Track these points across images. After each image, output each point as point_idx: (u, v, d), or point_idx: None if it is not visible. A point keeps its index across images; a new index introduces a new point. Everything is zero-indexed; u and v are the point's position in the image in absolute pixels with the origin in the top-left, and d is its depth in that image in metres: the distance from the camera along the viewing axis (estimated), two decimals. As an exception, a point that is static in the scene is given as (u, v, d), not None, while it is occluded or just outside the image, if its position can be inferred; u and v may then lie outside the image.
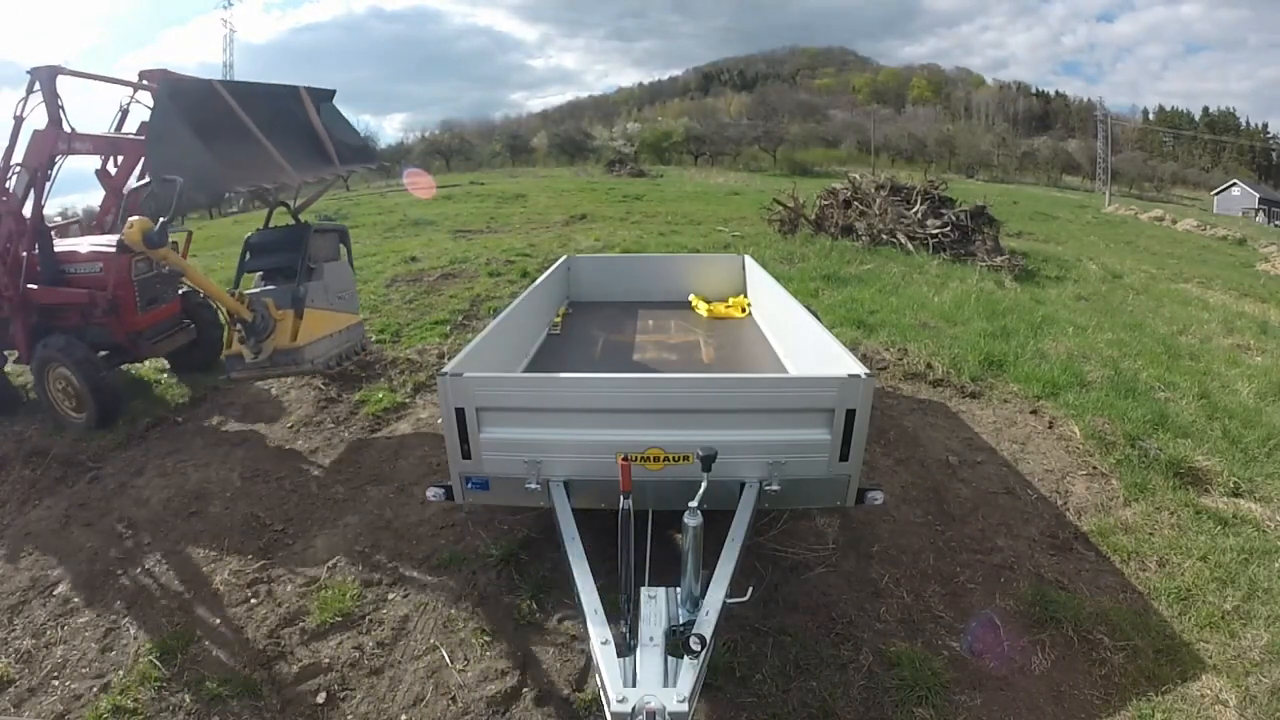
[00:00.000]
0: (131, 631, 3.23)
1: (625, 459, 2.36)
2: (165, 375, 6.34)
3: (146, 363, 6.41)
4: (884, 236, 12.33)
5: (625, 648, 2.14)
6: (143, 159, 5.66)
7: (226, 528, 3.98)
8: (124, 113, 5.81)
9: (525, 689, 2.85)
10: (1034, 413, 5.37)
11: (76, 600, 3.45)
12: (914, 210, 12.70)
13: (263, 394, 5.92)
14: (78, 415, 5.22)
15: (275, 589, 3.48)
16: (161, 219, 4.13)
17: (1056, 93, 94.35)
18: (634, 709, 1.92)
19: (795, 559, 3.58)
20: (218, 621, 3.26)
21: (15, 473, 4.68)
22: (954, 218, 12.32)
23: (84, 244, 5.63)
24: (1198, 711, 2.72)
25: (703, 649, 2.08)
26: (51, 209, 5.61)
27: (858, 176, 14.38)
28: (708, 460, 2.37)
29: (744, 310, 5.81)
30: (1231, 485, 4.28)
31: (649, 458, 2.91)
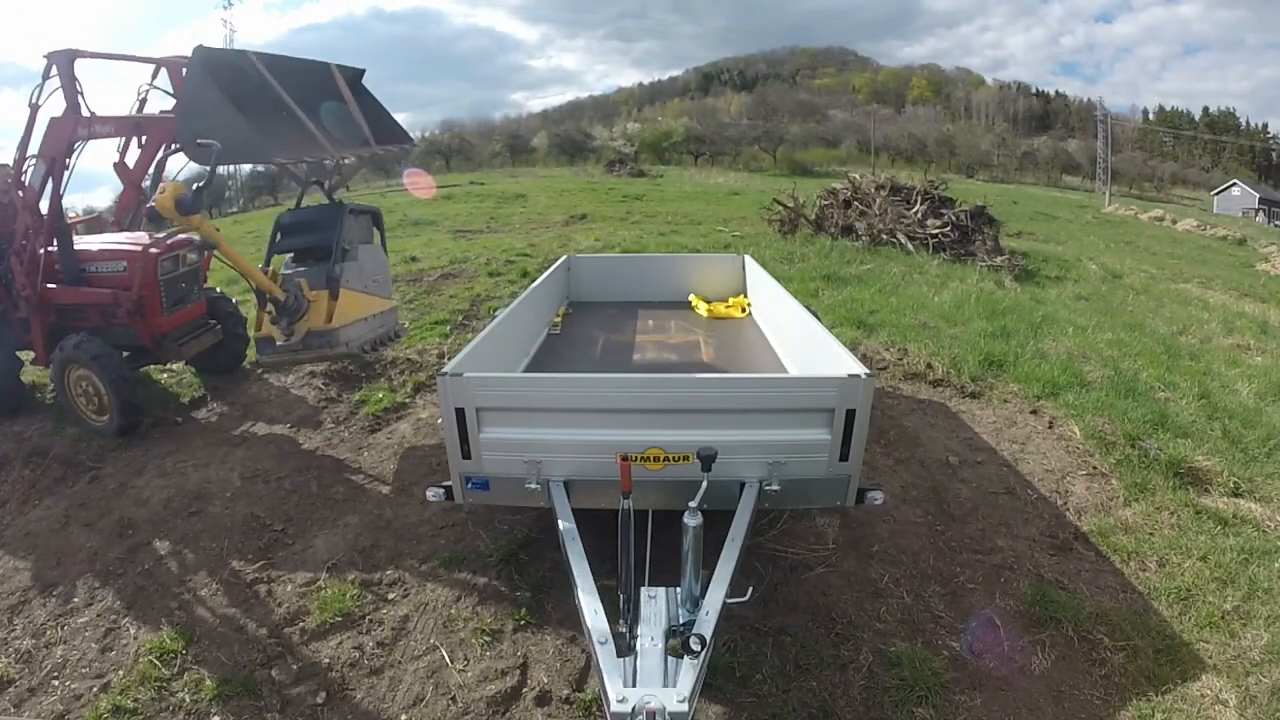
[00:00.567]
0: (131, 631, 3.23)
1: (625, 459, 2.36)
2: (166, 375, 6.33)
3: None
4: (884, 236, 12.32)
5: (625, 648, 2.13)
6: (163, 147, 5.53)
7: (226, 528, 3.98)
8: (142, 101, 5.64)
9: (525, 689, 2.85)
10: (1034, 413, 5.37)
11: (76, 600, 3.45)
12: (914, 210, 12.70)
13: (263, 394, 5.92)
14: (99, 419, 5.12)
15: (275, 589, 3.48)
16: (196, 185, 3.97)
17: (1056, 93, 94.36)
18: (634, 709, 1.92)
19: (795, 559, 3.58)
20: (218, 621, 3.26)
21: (15, 473, 4.68)
22: (954, 218, 12.32)
23: (107, 241, 5.53)
24: (1198, 711, 2.72)
25: (703, 649, 2.08)
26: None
27: (858, 176, 14.38)
28: (708, 460, 2.37)
29: (744, 310, 5.81)
30: (1231, 485, 4.28)
31: (649, 458, 2.91)
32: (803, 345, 4.07)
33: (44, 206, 5.15)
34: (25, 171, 5.11)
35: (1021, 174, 60.66)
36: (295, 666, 2.99)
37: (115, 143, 5.63)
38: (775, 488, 2.92)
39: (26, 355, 5.65)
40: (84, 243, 5.49)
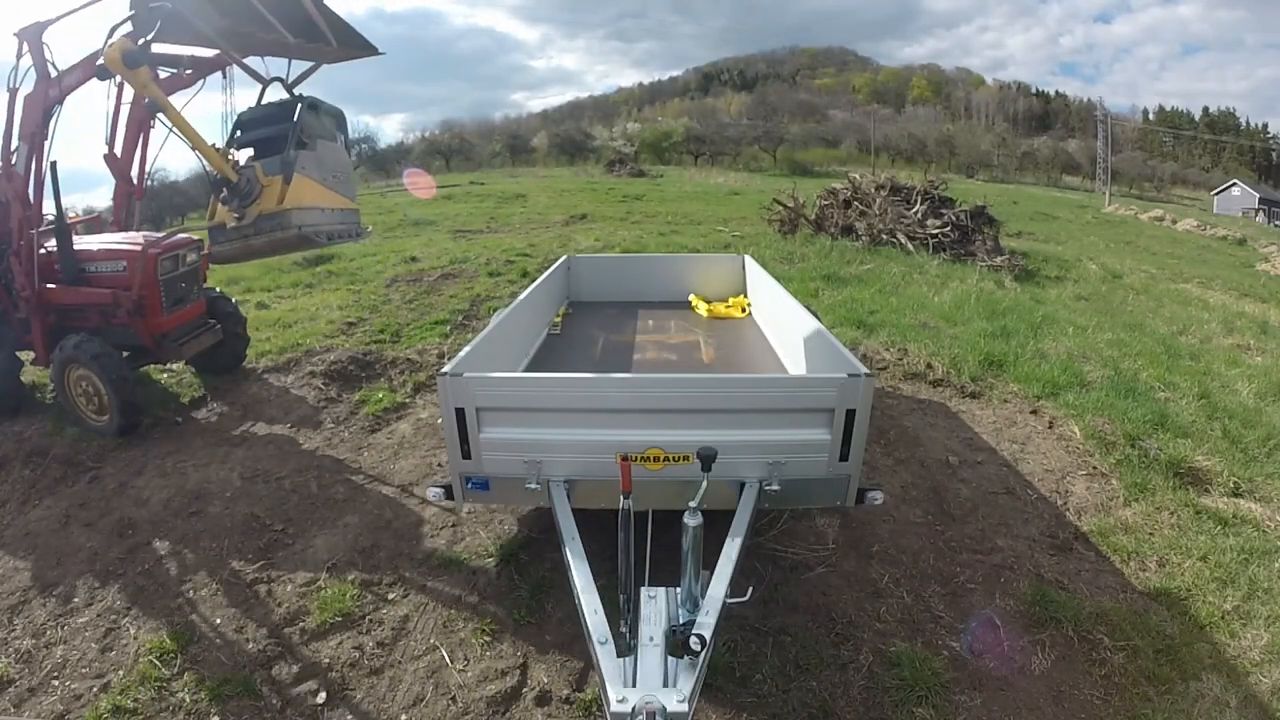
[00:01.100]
0: (131, 631, 3.23)
1: (625, 459, 2.36)
2: (166, 375, 6.33)
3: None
4: (884, 236, 12.33)
5: (625, 648, 2.13)
6: (142, 128, 5.46)
7: (226, 528, 3.98)
8: (121, 86, 5.45)
9: (525, 689, 2.85)
10: (1034, 413, 5.37)
11: (76, 600, 3.45)
12: (914, 210, 12.70)
13: (263, 394, 5.92)
14: (99, 419, 5.10)
15: (275, 589, 3.48)
16: (142, 40, 3.94)
17: (1056, 93, 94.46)
18: (634, 709, 1.91)
19: (795, 559, 3.58)
20: (218, 621, 3.26)
21: (15, 473, 4.68)
22: (954, 218, 12.32)
23: (106, 241, 5.51)
24: (1198, 711, 2.72)
25: (703, 649, 2.08)
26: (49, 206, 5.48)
27: (858, 176, 14.38)
28: (707, 460, 2.37)
29: (744, 310, 5.81)
30: (1231, 485, 4.29)
31: (649, 458, 2.91)
32: (803, 345, 4.07)
33: (45, 201, 5.12)
34: (13, 159, 5.05)
35: (1021, 174, 60.70)
36: (295, 666, 2.99)
37: (105, 133, 5.55)
38: (775, 488, 2.92)
39: (26, 355, 5.64)
40: (84, 243, 5.47)
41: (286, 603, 3.38)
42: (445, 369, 2.97)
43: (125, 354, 5.30)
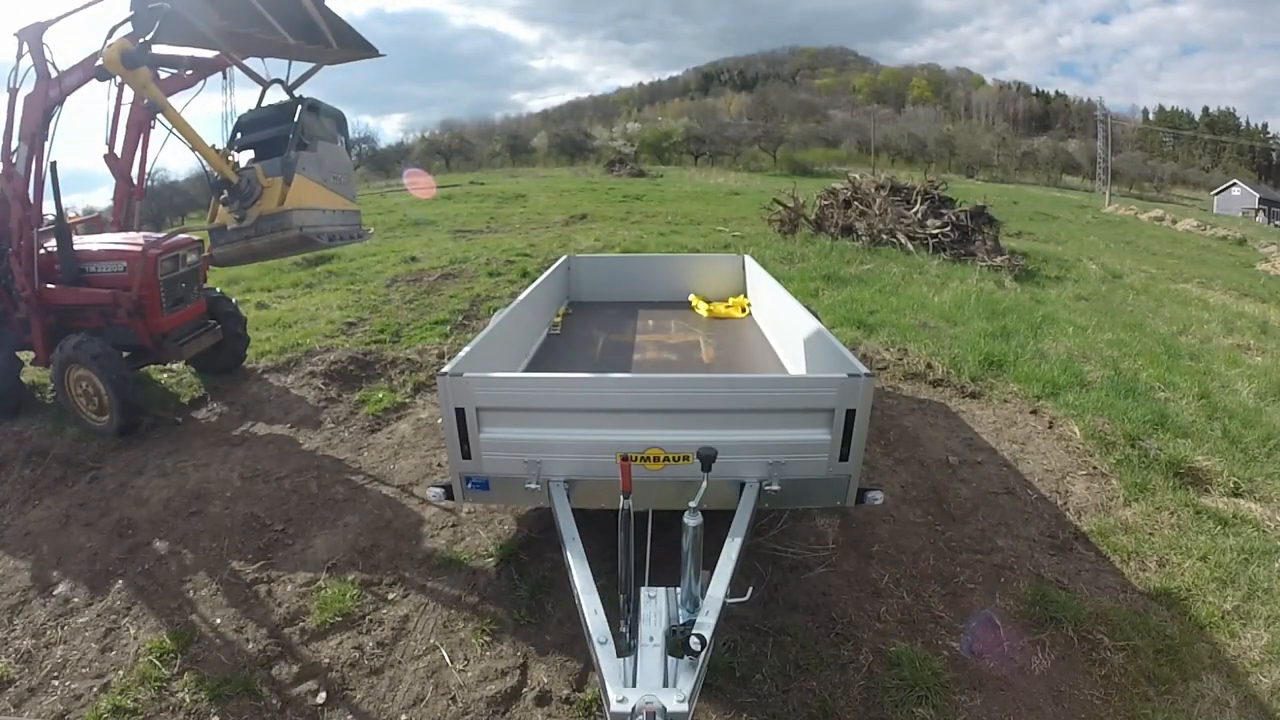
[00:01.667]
0: (131, 631, 3.23)
1: (625, 459, 2.36)
2: (166, 375, 6.33)
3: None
4: (884, 236, 12.33)
5: (625, 648, 2.13)
6: (142, 129, 5.47)
7: (226, 528, 3.98)
8: (121, 87, 5.46)
9: (525, 689, 2.85)
10: (1034, 413, 5.37)
11: (76, 600, 3.44)
12: (914, 210, 12.70)
13: (263, 394, 5.92)
14: (99, 419, 5.10)
15: (275, 589, 3.48)
16: (142, 39, 3.93)
17: (1056, 93, 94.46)
18: (634, 709, 1.91)
19: (795, 559, 3.58)
20: (218, 621, 3.26)
21: (15, 473, 4.67)
22: (954, 218, 12.33)
23: (106, 242, 5.52)
24: (1198, 711, 2.72)
25: (703, 649, 2.08)
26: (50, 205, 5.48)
27: (858, 176, 14.38)
28: (707, 460, 2.37)
29: (744, 310, 5.81)
30: (1231, 485, 4.29)
31: (649, 458, 2.91)
32: (803, 345, 4.07)
33: (45, 201, 5.10)
34: (13, 159, 5.05)
35: (1021, 174, 60.71)
36: (295, 666, 2.99)
37: (105, 133, 5.56)
38: (775, 488, 2.92)
39: (26, 355, 5.64)
40: (84, 243, 5.48)
41: (286, 603, 3.38)
42: (445, 369, 2.97)
43: (125, 354, 5.29)
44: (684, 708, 1.93)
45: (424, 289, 9.59)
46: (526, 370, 4.35)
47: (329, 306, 8.68)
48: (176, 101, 4.78)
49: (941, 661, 2.94)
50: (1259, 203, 49.01)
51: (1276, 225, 41.99)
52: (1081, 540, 3.83)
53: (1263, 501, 4.15)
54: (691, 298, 6.12)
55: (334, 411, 5.56)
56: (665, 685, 2.03)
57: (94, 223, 6.69)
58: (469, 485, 3.10)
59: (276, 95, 5.12)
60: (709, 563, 2.41)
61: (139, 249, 5.19)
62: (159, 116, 4.70)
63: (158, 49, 4.49)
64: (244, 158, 4.88)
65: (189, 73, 5.24)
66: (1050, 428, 5.12)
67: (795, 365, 4.22)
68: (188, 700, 2.82)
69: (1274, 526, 3.89)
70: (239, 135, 4.85)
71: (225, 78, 5.39)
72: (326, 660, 3.02)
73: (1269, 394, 5.92)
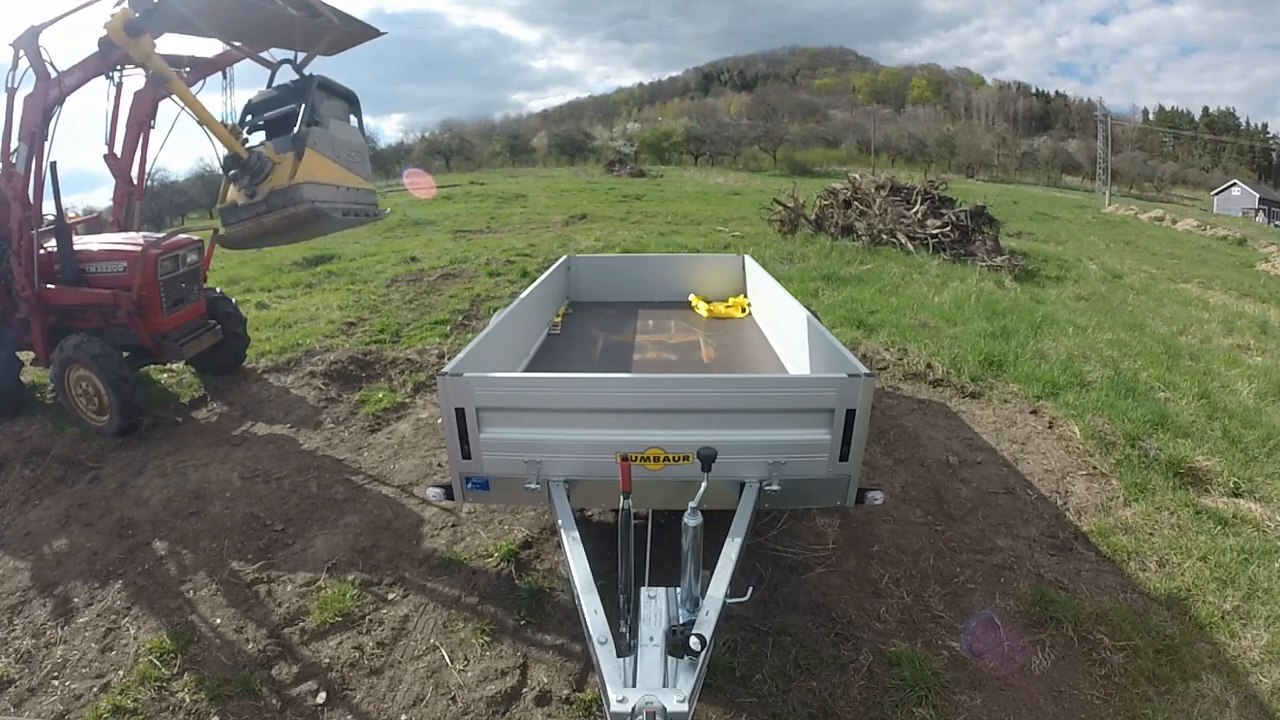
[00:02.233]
0: (131, 631, 3.23)
1: (625, 459, 2.36)
2: (166, 375, 6.33)
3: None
4: (884, 236, 12.33)
5: (625, 648, 2.13)
6: (142, 127, 5.43)
7: (226, 528, 3.98)
8: (119, 87, 5.45)
9: (525, 689, 2.85)
10: (1034, 413, 5.37)
11: (76, 600, 3.45)
12: (914, 210, 12.71)
13: (263, 394, 5.92)
14: (100, 418, 5.10)
15: (275, 589, 3.48)
16: (147, 8, 3.87)
17: (1056, 93, 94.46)
18: (634, 709, 1.91)
19: (795, 559, 3.58)
20: (218, 621, 3.26)
21: (15, 473, 4.68)
22: (954, 218, 12.33)
23: (106, 242, 5.50)
24: (1198, 711, 2.72)
25: (703, 649, 2.07)
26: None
27: (858, 176, 14.39)
28: (707, 460, 2.37)
29: (744, 310, 5.81)
30: (1231, 485, 4.29)
31: (649, 458, 2.91)
32: (803, 345, 4.07)
33: (44, 201, 5.10)
34: (13, 160, 5.04)
35: (1021, 174, 60.70)
36: (295, 666, 2.99)
37: (104, 133, 5.54)
38: (775, 488, 2.92)
39: (25, 355, 5.64)
40: (83, 243, 5.48)
41: (286, 603, 3.38)
42: (445, 369, 2.97)
43: (125, 354, 5.29)
44: (684, 708, 1.93)
45: (424, 289, 9.59)
46: (526, 370, 4.35)
47: (329, 306, 8.68)
48: (174, 107, 4.77)
49: (941, 661, 2.94)
50: (1259, 203, 49.02)
51: (1276, 225, 41.99)
52: (1081, 540, 3.83)
53: (1263, 501, 4.15)
54: (691, 298, 6.12)
55: (334, 411, 5.56)
56: (665, 685, 2.02)
57: (94, 223, 6.69)
58: (469, 485, 3.10)
59: (282, 80, 5.05)
60: (709, 563, 2.41)
61: (139, 249, 5.19)
62: (171, 97, 4.63)
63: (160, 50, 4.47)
64: (255, 139, 4.79)
65: (188, 70, 5.23)
66: (1050, 428, 5.12)
67: (795, 365, 4.22)
68: (188, 700, 2.82)
69: (1274, 526, 3.89)
70: (249, 117, 4.77)
71: (225, 77, 5.38)
72: (326, 660, 3.02)
73: (1269, 394, 5.92)
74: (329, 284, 10.33)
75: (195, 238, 5.86)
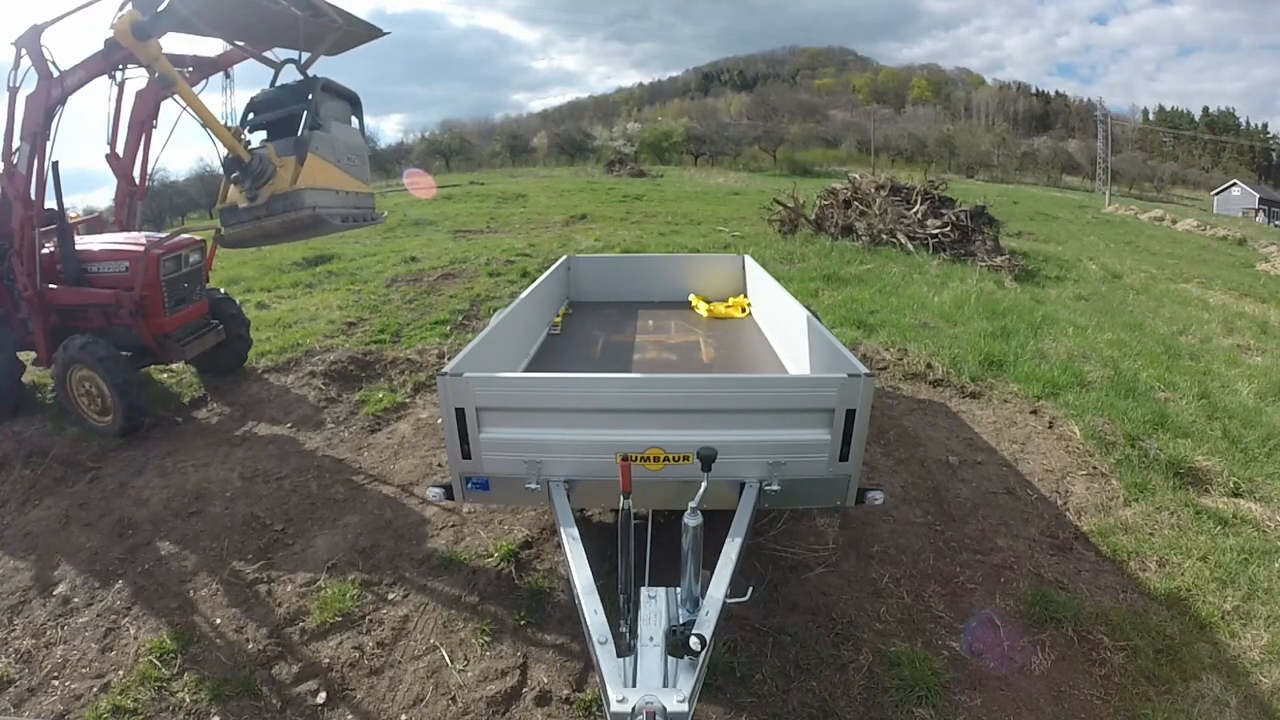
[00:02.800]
0: (131, 631, 3.23)
1: (625, 459, 2.36)
2: (167, 375, 6.33)
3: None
4: (884, 236, 12.33)
5: (625, 648, 2.13)
6: (144, 126, 5.42)
7: (226, 528, 3.98)
8: (121, 86, 5.43)
9: (525, 689, 2.85)
10: (1034, 413, 5.37)
11: (76, 600, 3.45)
12: (914, 210, 12.71)
13: (263, 394, 5.92)
14: (102, 419, 5.10)
15: (275, 589, 3.48)
16: (158, 9, 3.84)
17: (1056, 93, 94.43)
18: (634, 709, 1.91)
19: (795, 559, 3.58)
20: (218, 621, 3.26)
21: (15, 473, 4.68)
22: (954, 218, 12.33)
23: (108, 242, 5.50)
24: (1198, 711, 2.72)
25: (703, 649, 2.07)
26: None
27: (858, 176, 14.39)
28: (707, 460, 2.37)
29: (744, 310, 5.81)
30: (1231, 485, 4.29)
31: (649, 458, 2.91)
32: (803, 345, 4.07)
33: (46, 202, 5.10)
34: (14, 160, 5.03)
35: (1021, 174, 60.69)
36: (295, 666, 2.99)
37: (106, 133, 5.52)
38: (775, 488, 2.92)
39: (25, 356, 5.64)
40: (85, 243, 5.47)
41: (286, 603, 3.38)
42: (445, 369, 2.97)
43: (127, 354, 5.30)
44: (684, 708, 1.93)
45: (424, 289, 9.59)
46: (526, 370, 4.35)
47: (329, 306, 8.68)
48: (176, 107, 4.76)
49: (941, 661, 2.94)
50: (1259, 203, 49.02)
51: (1276, 225, 41.98)
52: (1081, 540, 3.83)
53: (1263, 501, 4.15)
54: (691, 298, 6.12)
55: (334, 411, 5.56)
56: (665, 685, 2.02)
57: (94, 223, 6.68)
58: (469, 485, 3.10)
59: (287, 79, 5.02)
60: (709, 563, 2.41)
61: (141, 249, 5.19)
62: (175, 96, 4.60)
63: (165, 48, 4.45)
64: (256, 138, 4.81)
65: (190, 70, 5.21)
66: (1050, 428, 5.12)
67: (795, 365, 4.22)
68: (188, 700, 2.82)
69: (1274, 526, 3.89)
70: (251, 116, 4.77)
71: (228, 77, 5.38)
72: (326, 660, 3.02)
73: (1269, 394, 5.92)
74: (329, 284, 10.33)
75: (198, 238, 5.85)
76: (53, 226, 5.21)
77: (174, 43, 4.68)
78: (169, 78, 4.35)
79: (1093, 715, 2.72)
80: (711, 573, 2.41)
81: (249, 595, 3.44)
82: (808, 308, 4.32)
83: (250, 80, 5.25)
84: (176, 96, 4.53)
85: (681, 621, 2.24)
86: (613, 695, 1.96)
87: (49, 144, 5.01)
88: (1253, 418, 5.30)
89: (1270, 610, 3.24)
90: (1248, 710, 2.72)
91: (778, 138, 59.54)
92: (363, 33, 5.03)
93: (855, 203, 13.34)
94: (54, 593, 3.51)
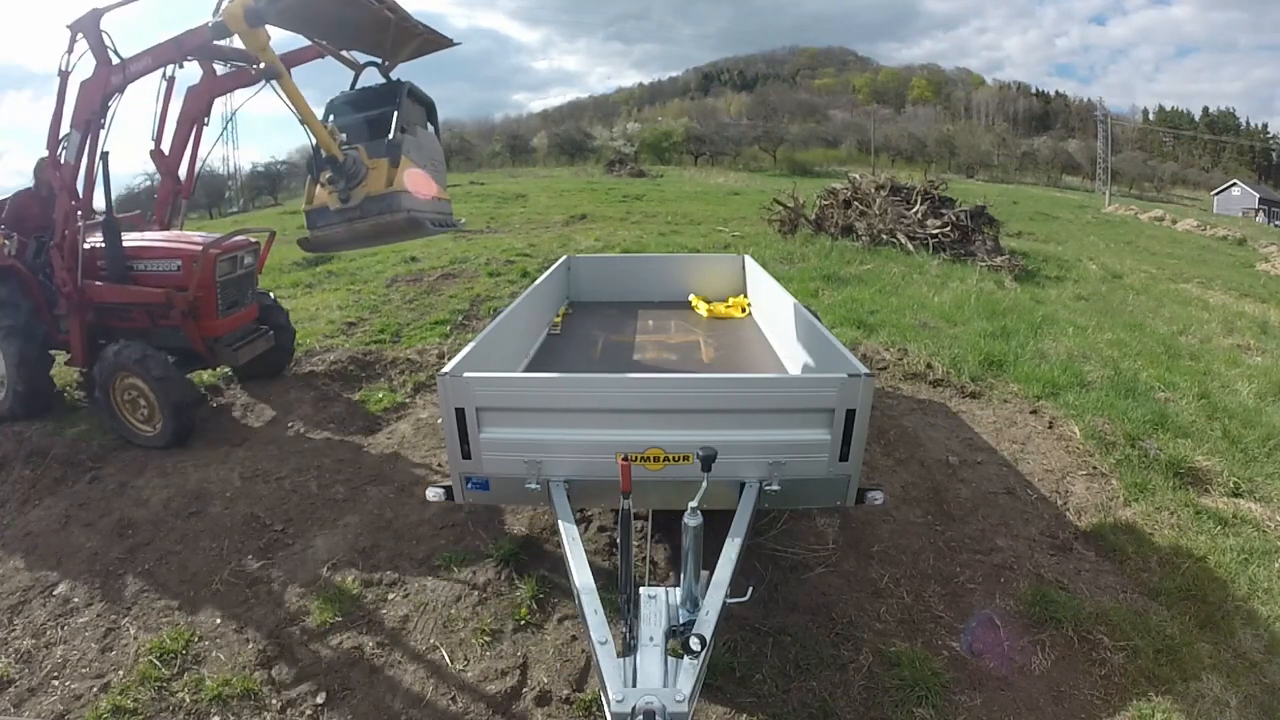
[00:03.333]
0: (131, 631, 3.23)
1: (625, 459, 2.36)
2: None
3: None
4: (884, 236, 12.33)
5: (625, 648, 2.13)
6: (195, 124, 5.31)
7: (226, 528, 3.98)
8: (171, 81, 5.23)
9: (525, 689, 2.85)
10: (1034, 413, 5.37)
11: (76, 600, 3.44)
12: (914, 210, 12.71)
13: (263, 394, 5.91)
14: (147, 428, 4.92)
15: (275, 589, 3.48)
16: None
17: (1056, 93, 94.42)
18: (634, 709, 1.91)
19: (795, 559, 3.58)
20: (218, 621, 3.26)
21: (15, 473, 4.67)
22: (954, 218, 12.33)
23: (158, 239, 5.33)
24: (1198, 711, 2.72)
25: (703, 649, 2.08)
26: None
27: (858, 176, 14.39)
28: (707, 460, 2.37)
29: (744, 310, 5.81)
30: (1231, 485, 4.29)
31: (649, 458, 2.91)
32: (803, 345, 4.07)
33: (92, 188, 4.90)
34: (61, 148, 4.83)
35: (1021, 174, 60.67)
36: (295, 666, 2.99)
37: (150, 128, 5.39)
38: (775, 488, 2.92)
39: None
40: (133, 239, 5.27)
41: (286, 603, 3.38)
42: (445, 369, 2.97)
43: (171, 358, 5.11)
44: (684, 708, 1.93)
45: (424, 289, 9.59)
46: (526, 370, 4.35)
47: (329, 306, 8.68)
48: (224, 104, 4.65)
49: (941, 661, 2.94)
50: (1259, 203, 49.02)
51: (1276, 225, 41.99)
52: (1081, 540, 3.83)
53: (1263, 501, 4.15)
54: (691, 298, 6.12)
55: (334, 411, 5.56)
56: (665, 685, 2.02)
57: (136, 220, 6.27)
58: (469, 485, 3.10)
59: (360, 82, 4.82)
60: (709, 563, 2.41)
61: (198, 248, 5.04)
62: (274, 84, 4.25)
63: (228, 42, 4.31)
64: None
65: (254, 67, 4.93)
66: (1050, 428, 5.12)
67: (795, 365, 4.22)
68: (188, 700, 2.82)
69: (1274, 526, 3.89)
70: (332, 118, 4.53)
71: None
72: (326, 660, 3.02)
73: (1269, 394, 5.92)
74: (329, 284, 10.33)
75: (252, 239, 5.73)
76: (98, 220, 5.01)
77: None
78: (276, 69, 4.08)
79: (1093, 715, 2.73)
80: (711, 573, 2.41)
81: (249, 595, 3.44)
82: (808, 308, 4.32)
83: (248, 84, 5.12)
84: (280, 91, 4.22)
85: (681, 621, 2.25)
86: (613, 695, 1.96)
87: (103, 134, 4.80)
88: (1253, 418, 5.31)
89: (1270, 610, 3.24)
90: (1248, 710, 2.72)
91: (778, 138, 59.56)
92: (437, 40, 4.84)
93: (855, 203, 13.34)
94: (54, 593, 3.51)
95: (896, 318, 7.65)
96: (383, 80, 4.65)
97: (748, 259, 6.25)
